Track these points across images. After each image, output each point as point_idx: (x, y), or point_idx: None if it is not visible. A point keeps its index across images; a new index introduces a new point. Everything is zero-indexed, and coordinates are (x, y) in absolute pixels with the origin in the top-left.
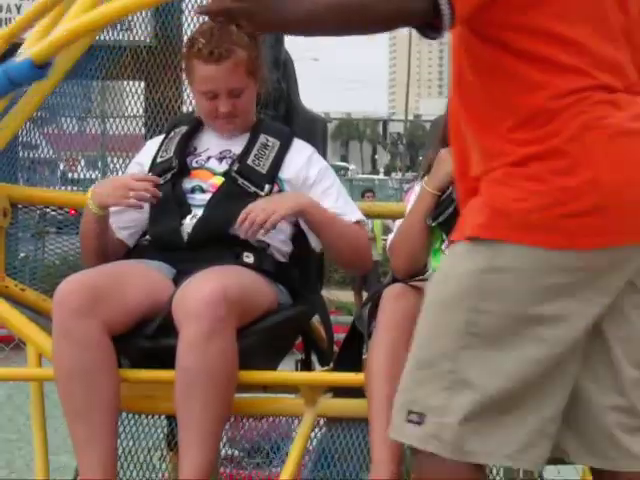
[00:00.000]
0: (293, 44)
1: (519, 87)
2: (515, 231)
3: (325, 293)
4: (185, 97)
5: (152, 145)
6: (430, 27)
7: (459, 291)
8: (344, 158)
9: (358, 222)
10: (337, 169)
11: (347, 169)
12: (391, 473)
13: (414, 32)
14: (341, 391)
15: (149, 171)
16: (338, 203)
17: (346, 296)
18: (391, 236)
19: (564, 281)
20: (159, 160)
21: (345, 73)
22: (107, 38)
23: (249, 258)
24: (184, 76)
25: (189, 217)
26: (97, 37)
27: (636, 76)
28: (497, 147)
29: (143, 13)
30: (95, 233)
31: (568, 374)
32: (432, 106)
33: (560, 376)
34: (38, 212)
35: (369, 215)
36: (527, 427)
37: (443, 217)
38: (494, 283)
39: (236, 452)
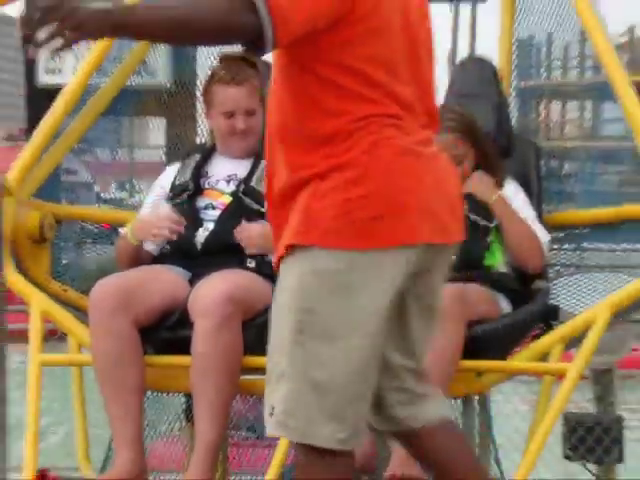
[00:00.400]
0: None
1: (325, 111)
2: (324, 236)
3: None
4: (199, 131)
5: (171, 170)
6: (256, 45)
7: (289, 295)
8: None
9: None
10: None
11: None
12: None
13: None
14: None
15: (170, 192)
16: None
17: None
18: None
19: (367, 275)
20: (177, 183)
21: None
22: (134, 83)
23: (251, 264)
24: (198, 111)
25: (202, 230)
26: (126, 82)
27: (422, 111)
28: (307, 161)
29: (163, 61)
30: (130, 255)
31: (379, 356)
32: None
33: (377, 361)
34: (78, 226)
35: None
36: (358, 413)
37: None
38: (314, 284)
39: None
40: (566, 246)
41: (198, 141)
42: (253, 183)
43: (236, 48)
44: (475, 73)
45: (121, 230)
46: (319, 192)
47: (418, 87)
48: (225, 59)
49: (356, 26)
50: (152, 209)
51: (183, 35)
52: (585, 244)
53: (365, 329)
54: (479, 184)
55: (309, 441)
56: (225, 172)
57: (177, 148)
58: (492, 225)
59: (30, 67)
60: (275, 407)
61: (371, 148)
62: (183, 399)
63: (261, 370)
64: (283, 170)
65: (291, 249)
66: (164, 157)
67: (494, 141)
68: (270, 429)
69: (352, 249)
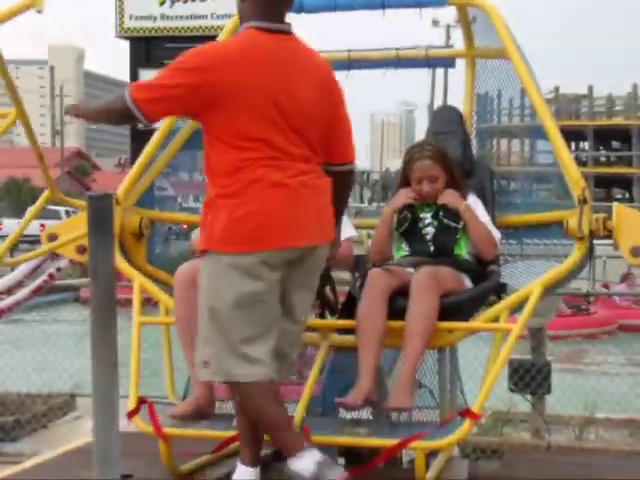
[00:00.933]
0: None
1: (222, 157)
2: (216, 244)
3: (334, 274)
4: None
5: None
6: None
7: (204, 287)
8: None
9: (348, 238)
10: None
11: None
12: (367, 381)
13: (385, 119)
14: (343, 331)
15: None
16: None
17: (346, 275)
18: (370, 240)
19: (259, 268)
20: None
21: None
22: None
23: None
24: None
25: None
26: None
27: (299, 154)
28: (212, 187)
29: None
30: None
31: (275, 323)
32: (396, 164)
33: (270, 325)
34: (166, 227)
35: (359, 227)
36: (261, 352)
37: (402, 229)
38: (217, 279)
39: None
40: (511, 241)
41: None
42: None
43: None
44: (447, 117)
45: (195, 231)
46: (215, 211)
47: (301, 137)
48: None
49: (215, 110)
50: None
51: (108, 118)
52: (525, 240)
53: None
54: (450, 197)
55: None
56: None
57: None
58: (460, 226)
59: None
60: (207, 361)
61: (251, 183)
62: None
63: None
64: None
65: (203, 252)
66: None
67: (460, 166)
68: (205, 376)
69: (234, 253)
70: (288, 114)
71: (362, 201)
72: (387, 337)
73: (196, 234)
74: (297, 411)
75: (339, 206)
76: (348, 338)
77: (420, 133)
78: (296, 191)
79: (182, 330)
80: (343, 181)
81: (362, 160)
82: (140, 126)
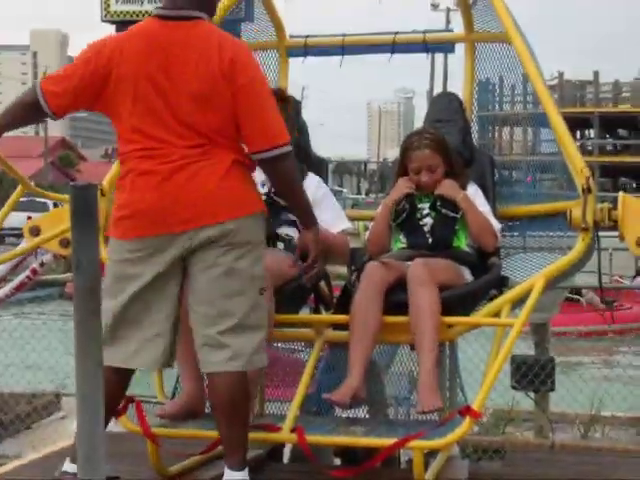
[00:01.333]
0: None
1: (118, 150)
2: (111, 229)
3: (329, 268)
4: None
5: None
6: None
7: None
8: (340, 185)
9: (343, 230)
10: (336, 192)
11: (342, 192)
12: (355, 378)
13: (382, 107)
14: (338, 327)
15: None
16: (333, 214)
17: (342, 269)
18: (367, 232)
19: (133, 256)
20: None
21: (340, 132)
22: None
23: (281, 245)
24: None
25: None
26: None
27: (182, 143)
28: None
29: None
30: None
31: (168, 304)
32: (394, 153)
33: (159, 305)
34: None
35: (356, 219)
36: (135, 341)
37: (400, 220)
38: (110, 263)
39: None
40: (514, 233)
41: None
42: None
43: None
44: (446, 104)
45: None
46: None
47: (176, 129)
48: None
49: (107, 102)
50: None
51: (14, 114)
52: (528, 231)
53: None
54: (449, 187)
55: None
56: (261, 177)
57: None
58: (458, 216)
59: None
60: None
61: (127, 172)
62: None
63: (289, 324)
64: None
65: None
66: None
67: (460, 154)
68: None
69: (113, 237)
70: (171, 104)
71: (359, 192)
72: (384, 332)
73: None
74: (291, 410)
75: (284, 196)
76: (343, 334)
77: (419, 121)
78: (166, 177)
79: None
80: (267, 169)
81: (359, 149)
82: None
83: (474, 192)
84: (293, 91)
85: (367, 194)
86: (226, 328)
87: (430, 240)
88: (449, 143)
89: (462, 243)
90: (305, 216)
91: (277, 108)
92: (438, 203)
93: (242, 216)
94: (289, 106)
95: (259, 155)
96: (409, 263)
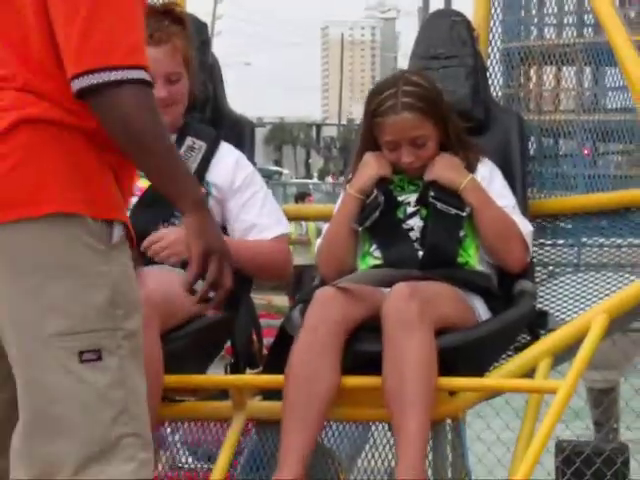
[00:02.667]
0: (222, 48)
1: None
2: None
3: (258, 297)
4: None
5: None
6: None
7: None
8: (278, 162)
9: (277, 237)
10: (270, 173)
11: (281, 173)
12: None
13: (346, 36)
14: (271, 394)
15: None
16: (263, 211)
17: (281, 300)
18: (319, 240)
19: None
20: None
21: (278, 77)
22: None
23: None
24: None
25: None
26: None
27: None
28: None
29: None
30: None
31: None
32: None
33: None
34: None
35: (298, 217)
36: None
37: (370, 222)
38: None
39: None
40: (559, 241)
41: None
42: None
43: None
44: (445, 30)
45: None
46: None
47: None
48: (147, 13)
49: None
50: None
51: None
52: (583, 238)
53: None
54: (445, 168)
55: None
56: None
57: None
58: (464, 214)
59: None
60: None
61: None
62: None
63: (188, 391)
64: None
65: None
66: None
67: (467, 114)
68: None
69: None
70: None
71: (308, 174)
72: (343, 403)
73: None
74: None
75: (134, 160)
76: (278, 406)
77: (405, 58)
78: None
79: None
80: (96, 110)
81: (309, 103)
82: None
83: (488, 174)
84: (200, 6)
85: (321, 177)
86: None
87: (420, 253)
88: (448, 95)
89: (471, 258)
90: (175, 191)
91: (136, 21)
92: (431, 194)
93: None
94: (186, 31)
95: (75, 83)
96: (386, 290)
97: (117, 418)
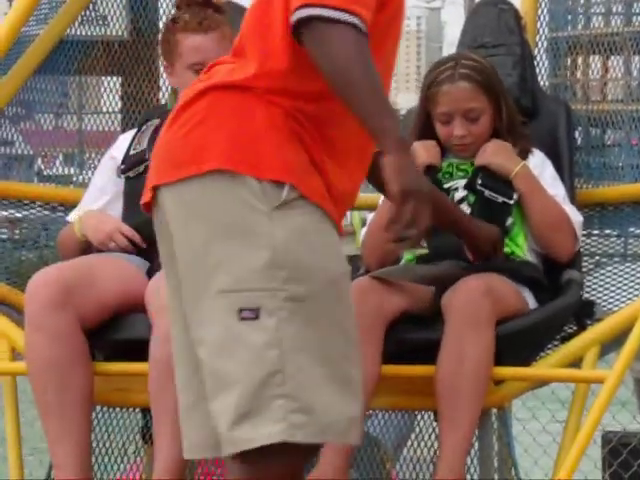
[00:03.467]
0: None
1: None
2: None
3: None
4: (164, 89)
5: (125, 138)
6: None
7: None
8: None
9: None
10: None
11: None
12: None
13: None
14: None
15: (122, 164)
16: None
17: None
18: (364, 229)
19: None
20: (132, 152)
21: None
22: (81, 32)
23: None
24: (162, 68)
25: None
26: (69, 31)
27: None
28: None
29: (116, 6)
30: (75, 248)
31: None
32: (411, 99)
33: None
34: (13, 208)
35: None
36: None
37: None
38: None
39: None
40: (607, 231)
41: (163, 102)
42: None
43: None
44: (492, 19)
45: (69, 218)
46: None
47: None
48: (186, 3)
49: None
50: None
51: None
52: (631, 228)
53: None
54: (498, 153)
55: None
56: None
57: (135, 113)
58: (512, 202)
59: None
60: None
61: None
62: (140, 415)
63: None
64: None
65: None
66: (119, 124)
67: (516, 102)
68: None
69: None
70: None
71: None
72: (386, 392)
73: (75, 216)
74: None
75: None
76: None
77: (451, 47)
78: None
79: (39, 383)
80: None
81: None
82: None
83: (540, 164)
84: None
85: None
86: None
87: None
88: (502, 79)
89: (518, 247)
90: (379, 128)
91: None
92: (479, 181)
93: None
94: (224, 18)
95: (294, 15)
96: (430, 288)
97: (271, 378)
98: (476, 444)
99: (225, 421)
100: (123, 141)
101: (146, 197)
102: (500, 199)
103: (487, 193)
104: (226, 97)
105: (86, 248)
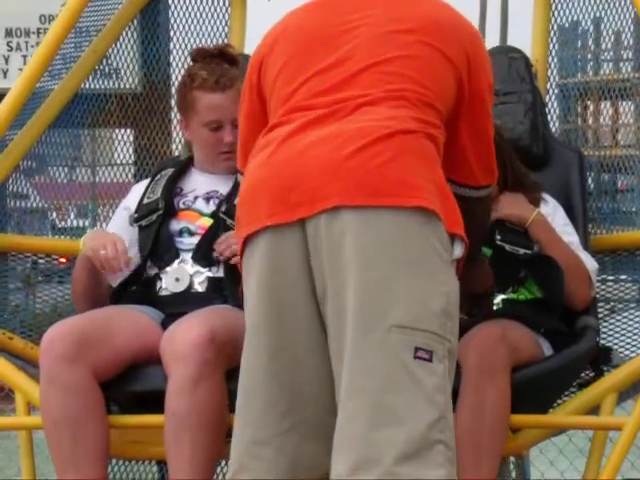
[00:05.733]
0: None
1: None
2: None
3: None
4: (177, 141)
5: (139, 188)
6: None
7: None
8: None
9: None
10: None
11: None
12: None
13: None
14: None
15: (135, 212)
16: None
17: None
18: None
19: None
20: (145, 202)
21: None
22: (93, 86)
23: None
24: (175, 121)
25: (177, 262)
26: (83, 85)
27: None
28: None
29: (128, 60)
30: (85, 275)
31: None
32: None
33: None
34: (29, 261)
35: None
36: None
37: None
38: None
39: None
40: (622, 277)
41: (176, 154)
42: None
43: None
44: (503, 67)
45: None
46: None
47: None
48: (201, 56)
49: None
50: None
51: None
52: None
53: None
54: (512, 205)
55: None
56: (204, 189)
57: (148, 164)
58: (533, 252)
59: None
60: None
61: None
62: (155, 468)
63: None
64: None
65: None
66: (133, 176)
67: (527, 150)
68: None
69: None
70: None
71: None
72: None
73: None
74: None
75: None
76: None
77: None
78: (280, 150)
79: (55, 437)
80: None
81: None
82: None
83: (552, 211)
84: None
85: None
86: None
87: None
88: (506, 132)
89: (534, 296)
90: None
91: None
92: (498, 236)
93: None
94: (238, 72)
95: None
96: None
97: (437, 423)
98: None
99: (392, 455)
100: (136, 191)
101: (299, 212)
102: (522, 251)
103: (508, 247)
104: (411, 141)
105: (95, 273)
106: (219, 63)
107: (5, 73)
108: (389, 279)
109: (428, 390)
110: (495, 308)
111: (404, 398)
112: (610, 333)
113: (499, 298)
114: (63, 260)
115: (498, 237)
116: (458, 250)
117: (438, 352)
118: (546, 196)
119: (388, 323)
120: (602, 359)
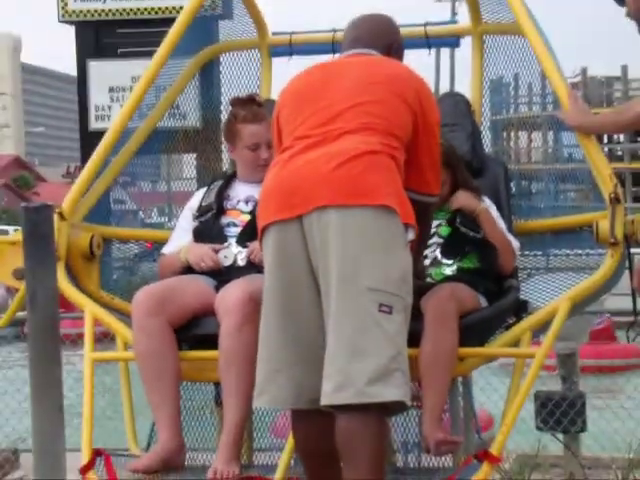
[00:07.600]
0: None
1: None
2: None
3: None
4: (225, 161)
5: (198, 194)
6: None
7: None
8: None
9: None
10: None
11: None
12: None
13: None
14: None
15: (196, 212)
16: None
17: None
18: None
19: None
20: (203, 204)
21: None
22: (167, 124)
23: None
24: (223, 147)
25: (225, 245)
26: (159, 124)
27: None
28: None
29: (192, 105)
30: (174, 269)
31: None
32: None
33: None
34: (127, 247)
35: None
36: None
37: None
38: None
39: None
40: (535, 252)
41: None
42: None
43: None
44: (451, 106)
45: (163, 250)
46: None
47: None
48: (239, 102)
49: None
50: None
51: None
52: (551, 249)
53: None
54: (465, 199)
55: None
56: (244, 194)
57: (206, 178)
58: (479, 236)
59: (84, 115)
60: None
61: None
62: (213, 387)
63: None
64: None
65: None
66: (195, 186)
67: (468, 164)
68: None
69: None
70: None
71: None
72: None
73: (170, 249)
74: (282, 459)
75: None
76: None
77: None
78: (287, 164)
79: (145, 367)
80: None
81: None
82: (94, 126)
83: (488, 207)
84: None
85: None
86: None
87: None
88: (456, 152)
89: (473, 264)
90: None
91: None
92: (458, 219)
93: None
94: (266, 110)
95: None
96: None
97: (396, 356)
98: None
99: (362, 380)
100: (197, 196)
101: (298, 210)
102: (471, 234)
103: (463, 229)
104: (377, 159)
105: (183, 270)
106: (252, 105)
107: (109, 118)
108: (361, 255)
109: (389, 334)
110: (450, 274)
111: (371, 339)
112: (527, 291)
113: (455, 267)
114: (149, 245)
115: (458, 220)
116: (411, 234)
117: (397, 307)
118: (484, 197)
119: (362, 286)
120: (521, 309)
